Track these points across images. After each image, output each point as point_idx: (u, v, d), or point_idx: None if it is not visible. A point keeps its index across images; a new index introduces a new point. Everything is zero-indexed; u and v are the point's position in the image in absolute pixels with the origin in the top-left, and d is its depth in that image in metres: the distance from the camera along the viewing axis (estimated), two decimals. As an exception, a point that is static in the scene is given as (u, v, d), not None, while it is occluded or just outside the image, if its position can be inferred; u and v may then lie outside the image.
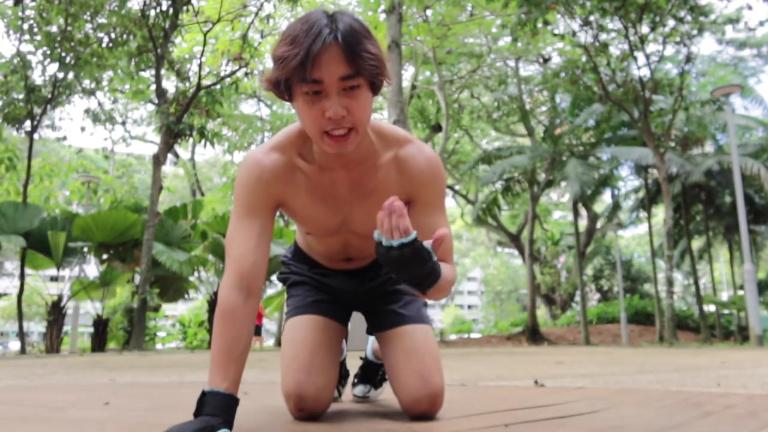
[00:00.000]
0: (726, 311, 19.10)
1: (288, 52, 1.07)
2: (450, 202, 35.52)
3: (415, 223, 1.25)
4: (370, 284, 1.53)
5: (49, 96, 11.10)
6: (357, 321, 1.63)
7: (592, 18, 12.15)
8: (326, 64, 1.07)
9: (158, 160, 10.46)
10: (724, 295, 25.24)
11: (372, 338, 1.78)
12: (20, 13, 10.77)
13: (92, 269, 13.12)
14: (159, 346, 16.33)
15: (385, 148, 1.29)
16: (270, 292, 13.06)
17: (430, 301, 1.62)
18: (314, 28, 1.06)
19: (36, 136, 11.55)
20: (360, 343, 2.38)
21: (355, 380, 1.86)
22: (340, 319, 1.54)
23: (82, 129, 13.18)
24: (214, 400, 1.08)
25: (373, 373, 1.82)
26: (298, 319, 1.49)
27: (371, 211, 1.27)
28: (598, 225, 21.67)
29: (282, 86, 1.12)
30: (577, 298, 22.79)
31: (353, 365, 1.91)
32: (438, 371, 1.41)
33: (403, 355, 1.42)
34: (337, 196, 1.31)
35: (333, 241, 1.44)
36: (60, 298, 10.80)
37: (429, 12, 15.05)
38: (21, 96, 11.07)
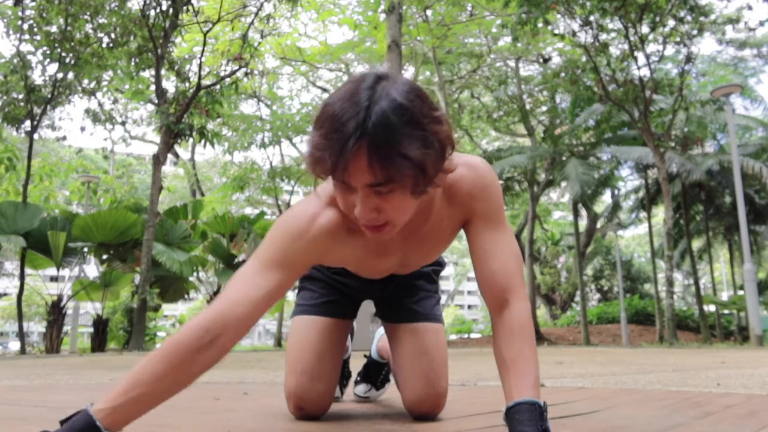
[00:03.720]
0: (726, 311, 19.11)
1: (319, 152, 0.94)
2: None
3: (475, 244, 1.15)
4: (391, 286, 1.49)
5: (49, 96, 11.09)
6: (360, 321, 1.63)
7: (592, 18, 12.15)
8: (353, 172, 0.93)
9: (158, 160, 10.45)
10: (724, 295, 25.25)
11: (378, 337, 1.79)
12: (20, 13, 10.76)
13: (92, 269, 13.12)
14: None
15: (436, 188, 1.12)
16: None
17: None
18: (345, 126, 0.90)
19: (36, 136, 11.54)
20: (363, 342, 2.36)
21: (358, 378, 1.86)
22: (349, 316, 1.52)
23: (82, 129, 13.16)
24: (78, 422, 0.92)
25: (376, 373, 1.82)
26: (307, 319, 1.47)
27: (427, 252, 1.26)
28: (598, 225, 21.68)
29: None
30: (577, 298, 22.78)
31: (357, 365, 1.91)
32: (444, 374, 1.43)
33: (412, 353, 1.43)
34: (392, 248, 1.21)
35: (379, 275, 1.36)
36: (60, 298, 10.80)
37: (429, 12, 15.05)
38: (21, 96, 11.06)
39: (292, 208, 1.15)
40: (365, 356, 1.85)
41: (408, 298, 1.49)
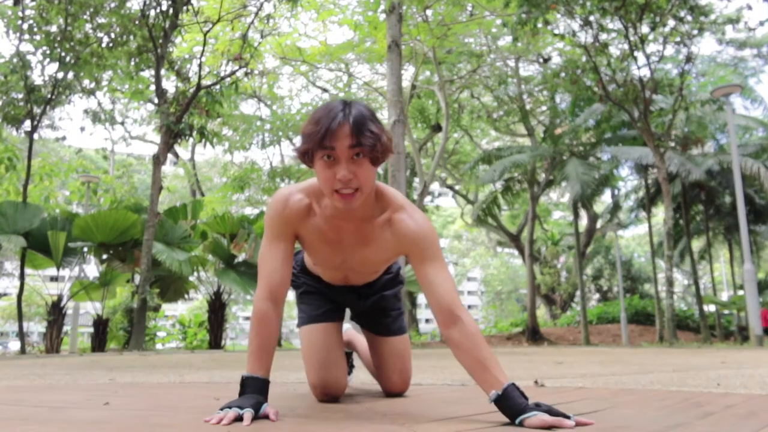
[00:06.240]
0: (726, 311, 19.12)
1: (313, 130, 1.41)
2: (450, 203, 35.50)
3: (422, 276, 1.52)
4: (368, 301, 1.96)
5: (49, 96, 11.08)
6: None
7: (592, 18, 12.15)
8: (339, 137, 1.39)
9: (158, 160, 10.44)
10: (724, 295, 25.26)
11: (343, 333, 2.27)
12: (20, 13, 10.75)
13: (92, 269, 13.11)
14: (159, 346, 16.28)
15: (382, 209, 1.59)
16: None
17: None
18: (332, 113, 1.41)
19: (36, 136, 11.52)
20: None
21: None
22: (339, 319, 1.96)
23: (82, 129, 13.18)
24: (255, 383, 1.43)
25: (350, 363, 2.30)
26: (314, 326, 1.88)
27: (367, 257, 1.67)
28: (598, 225, 21.68)
29: (308, 155, 1.45)
30: (577, 298, 22.79)
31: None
32: (410, 368, 2.02)
33: (388, 357, 1.98)
34: (340, 241, 1.63)
35: (335, 271, 1.82)
36: (60, 298, 10.80)
37: (429, 12, 15.04)
38: (21, 96, 11.05)
39: (274, 196, 1.62)
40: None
41: (384, 318, 1.99)
